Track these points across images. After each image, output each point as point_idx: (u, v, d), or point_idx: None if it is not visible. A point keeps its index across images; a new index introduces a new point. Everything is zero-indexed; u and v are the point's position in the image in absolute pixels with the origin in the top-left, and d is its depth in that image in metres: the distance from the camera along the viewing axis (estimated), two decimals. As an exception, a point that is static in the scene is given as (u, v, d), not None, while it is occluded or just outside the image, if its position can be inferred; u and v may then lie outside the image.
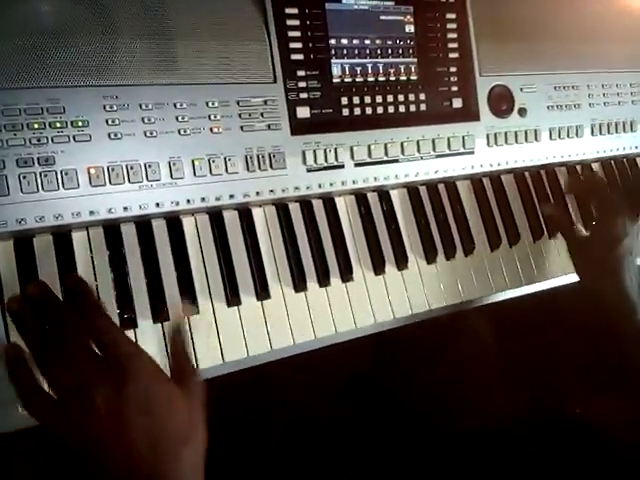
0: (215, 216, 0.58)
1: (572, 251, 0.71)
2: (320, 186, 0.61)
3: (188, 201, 0.55)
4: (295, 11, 0.59)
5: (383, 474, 0.78)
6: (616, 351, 0.67)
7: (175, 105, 0.54)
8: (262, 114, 0.58)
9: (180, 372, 0.44)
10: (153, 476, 0.39)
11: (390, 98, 0.64)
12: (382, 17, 0.64)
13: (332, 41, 0.61)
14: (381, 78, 0.64)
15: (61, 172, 0.49)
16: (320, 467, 0.78)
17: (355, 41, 0.63)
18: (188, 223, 0.57)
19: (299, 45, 0.60)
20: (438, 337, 0.90)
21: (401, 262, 0.65)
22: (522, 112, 0.72)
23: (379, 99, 0.64)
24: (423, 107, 0.66)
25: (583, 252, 0.70)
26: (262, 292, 0.57)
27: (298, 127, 0.60)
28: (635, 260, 0.68)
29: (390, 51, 0.64)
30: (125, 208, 0.52)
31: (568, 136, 0.75)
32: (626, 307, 0.65)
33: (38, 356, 0.42)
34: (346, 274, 0.62)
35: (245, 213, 0.59)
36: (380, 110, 0.64)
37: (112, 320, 0.44)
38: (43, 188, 0.49)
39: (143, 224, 0.55)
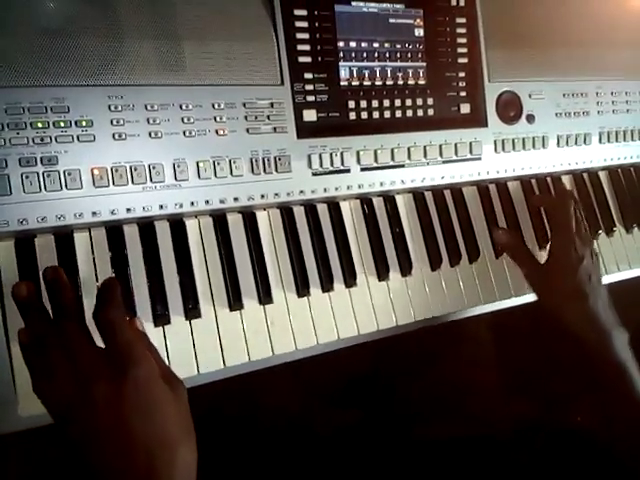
0: (219, 219, 0.57)
1: (530, 283, 0.67)
2: (325, 190, 0.60)
3: (192, 203, 0.54)
4: (304, 13, 0.58)
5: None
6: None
7: (181, 106, 0.53)
8: (268, 117, 0.57)
9: (167, 375, 0.43)
10: (148, 477, 0.38)
11: (398, 102, 0.64)
12: (391, 20, 0.63)
13: (340, 44, 0.61)
14: (389, 82, 0.63)
15: (64, 172, 0.49)
16: (315, 471, 0.78)
17: (364, 44, 0.62)
18: (191, 226, 0.56)
19: (307, 47, 0.59)
20: (438, 343, 0.90)
21: (405, 268, 0.64)
22: (530, 119, 0.71)
23: (386, 103, 0.63)
24: (431, 112, 0.65)
25: (542, 283, 0.66)
26: (265, 297, 0.57)
27: (304, 130, 0.59)
28: (600, 283, 0.64)
29: (399, 55, 0.64)
30: (128, 209, 0.52)
31: (576, 144, 0.74)
32: (597, 336, 0.61)
33: (39, 345, 0.42)
34: (349, 280, 0.61)
35: (249, 216, 0.58)
36: (387, 114, 0.63)
37: (122, 312, 0.44)
38: (46, 188, 0.48)
39: (146, 226, 0.54)
